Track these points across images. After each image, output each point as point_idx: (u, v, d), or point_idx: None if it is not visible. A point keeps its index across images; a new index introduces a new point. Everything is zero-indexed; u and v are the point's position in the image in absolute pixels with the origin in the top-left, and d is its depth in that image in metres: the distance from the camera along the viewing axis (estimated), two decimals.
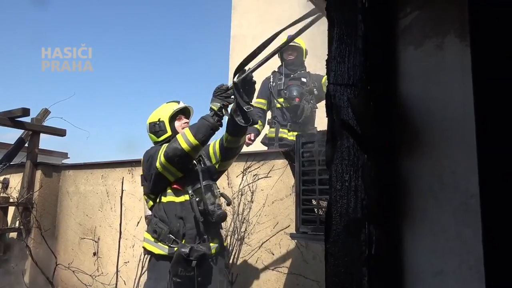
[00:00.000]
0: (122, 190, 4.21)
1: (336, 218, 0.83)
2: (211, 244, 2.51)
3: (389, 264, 0.74)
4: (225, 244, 2.77)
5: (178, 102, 2.78)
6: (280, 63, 4.22)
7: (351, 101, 0.83)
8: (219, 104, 2.38)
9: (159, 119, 2.73)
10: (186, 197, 2.52)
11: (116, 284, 4.02)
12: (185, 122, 2.75)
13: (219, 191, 2.63)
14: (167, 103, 2.83)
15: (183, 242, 2.45)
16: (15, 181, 4.90)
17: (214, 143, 2.67)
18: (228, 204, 2.61)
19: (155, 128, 2.73)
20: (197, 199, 2.48)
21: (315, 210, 1.62)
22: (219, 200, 2.61)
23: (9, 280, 4.44)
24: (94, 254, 4.36)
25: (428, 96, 0.78)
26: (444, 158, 0.73)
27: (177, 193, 2.55)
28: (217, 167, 2.70)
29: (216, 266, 2.56)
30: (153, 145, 2.76)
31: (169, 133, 2.69)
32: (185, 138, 2.39)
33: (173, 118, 2.72)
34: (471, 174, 0.69)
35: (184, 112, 2.78)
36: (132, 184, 4.23)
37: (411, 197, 0.75)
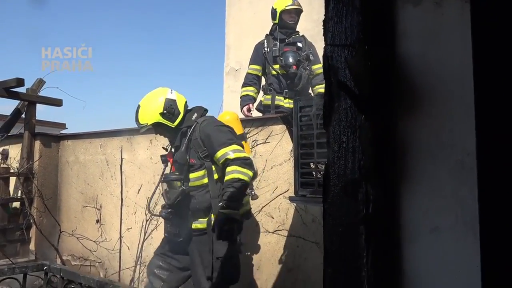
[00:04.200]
0: (122, 159, 4.23)
1: (333, 179, 0.84)
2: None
3: (386, 222, 0.76)
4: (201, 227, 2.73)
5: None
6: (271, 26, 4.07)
7: (349, 62, 0.82)
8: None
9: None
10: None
11: (120, 249, 4.12)
12: None
13: (183, 188, 2.65)
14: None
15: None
16: (15, 151, 4.91)
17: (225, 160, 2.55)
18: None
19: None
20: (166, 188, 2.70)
21: (313, 173, 1.64)
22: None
23: (15, 248, 4.53)
24: (97, 221, 4.44)
25: (427, 54, 0.77)
26: (442, 117, 0.73)
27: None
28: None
29: (191, 245, 2.68)
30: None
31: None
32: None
33: None
34: (468, 132, 0.69)
35: None
36: (131, 152, 4.25)
37: (408, 156, 0.76)
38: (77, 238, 4.41)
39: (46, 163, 4.77)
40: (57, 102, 5.00)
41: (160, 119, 2.71)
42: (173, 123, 2.73)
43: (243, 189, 2.47)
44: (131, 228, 4.14)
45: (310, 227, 3.01)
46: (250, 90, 4.00)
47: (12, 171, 4.59)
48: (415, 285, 0.73)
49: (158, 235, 3.95)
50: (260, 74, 4.05)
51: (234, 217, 2.39)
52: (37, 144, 4.72)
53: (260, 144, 3.39)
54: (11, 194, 4.66)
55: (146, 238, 4.01)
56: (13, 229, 4.48)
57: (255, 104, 4.06)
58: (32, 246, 4.58)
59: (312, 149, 1.63)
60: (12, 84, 4.50)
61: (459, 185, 0.68)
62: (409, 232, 0.75)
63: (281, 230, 3.20)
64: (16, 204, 4.64)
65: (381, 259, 0.76)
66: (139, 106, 2.79)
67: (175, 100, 2.74)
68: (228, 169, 2.47)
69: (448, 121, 0.72)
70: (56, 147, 4.91)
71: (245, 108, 3.94)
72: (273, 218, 3.26)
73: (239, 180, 2.42)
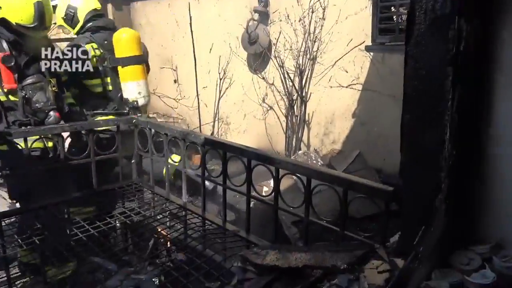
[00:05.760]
0: (190, 17, 4.19)
1: (419, 17, 0.74)
2: None
3: (478, 64, 0.68)
4: None
5: None
6: None
7: None
8: None
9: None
10: None
11: (198, 106, 4.38)
12: None
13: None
14: None
15: None
16: None
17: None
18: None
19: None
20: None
21: (394, 17, 1.48)
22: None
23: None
24: (175, 81, 4.66)
25: None
26: None
27: None
28: None
29: None
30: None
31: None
32: None
33: None
34: None
35: None
36: (199, 10, 4.17)
37: None
38: (159, 96, 4.72)
39: (120, 27, 4.89)
40: None
41: None
42: None
43: None
44: (206, 86, 4.31)
45: (386, 80, 2.89)
46: None
47: None
48: (501, 135, 0.68)
49: (231, 92, 4.09)
50: None
51: None
52: (109, 7, 4.78)
53: None
54: None
55: (222, 96, 4.18)
56: None
57: None
58: None
59: None
60: None
61: None
62: (505, 75, 0.67)
63: (355, 84, 3.12)
64: None
65: (467, 104, 0.70)
66: None
67: None
68: None
69: None
70: (127, 10, 4.96)
71: None
72: (347, 72, 3.15)
73: None
